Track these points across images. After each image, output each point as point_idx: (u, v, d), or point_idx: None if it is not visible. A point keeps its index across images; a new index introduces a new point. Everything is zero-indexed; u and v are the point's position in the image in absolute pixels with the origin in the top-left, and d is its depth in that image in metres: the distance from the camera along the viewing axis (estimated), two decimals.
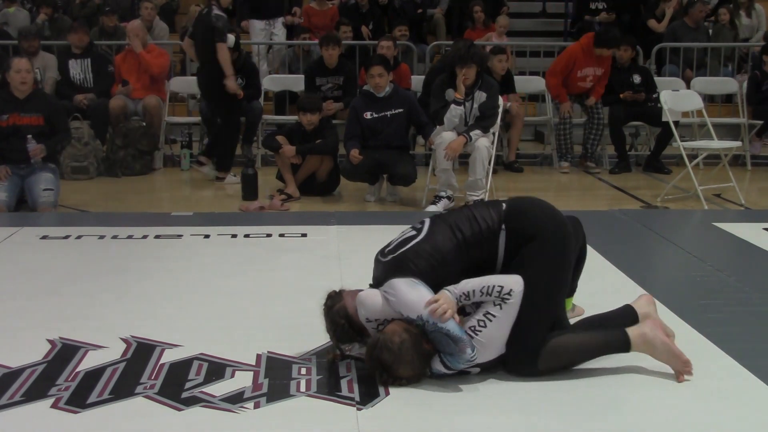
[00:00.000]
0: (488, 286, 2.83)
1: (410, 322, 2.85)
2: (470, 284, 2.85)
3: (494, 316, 2.84)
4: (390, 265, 2.97)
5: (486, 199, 6.43)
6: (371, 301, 2.95)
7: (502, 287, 2.82)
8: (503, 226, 2.98)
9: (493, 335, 2.85)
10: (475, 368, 2.90)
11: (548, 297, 2.94)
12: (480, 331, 2.84)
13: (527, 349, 2.90)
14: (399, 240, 3.04)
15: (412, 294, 2.86)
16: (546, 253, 2.95)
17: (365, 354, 2.92)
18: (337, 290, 3.11)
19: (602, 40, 8.08)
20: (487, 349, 2.86)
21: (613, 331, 3.02)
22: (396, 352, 2.81)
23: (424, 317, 2.80)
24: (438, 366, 2.87)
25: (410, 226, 3.13)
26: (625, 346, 2.97)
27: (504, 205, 3.06)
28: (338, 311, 3.02)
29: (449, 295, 2.84)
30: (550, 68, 8.50)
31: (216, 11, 7.32)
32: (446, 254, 2.95)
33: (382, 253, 3.06)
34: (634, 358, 3.17)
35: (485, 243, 2.99)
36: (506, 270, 2.96)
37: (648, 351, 2.97)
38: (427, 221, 3.08)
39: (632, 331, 2.98)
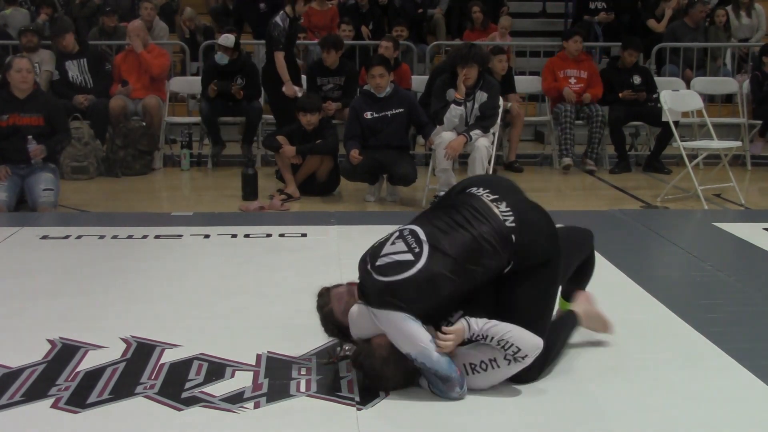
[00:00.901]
0: (508, 343, 2.73)
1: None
2: (492, 330, 2.73)
3: (499, 367, 2.77)
4: (382, 290, 2.77)
5: None
6: (361, 322, 2.86)
7: (519, 349, 2.73)
8: (510, 263, 2.83)
9: (490, 379, 2.81)
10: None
11: (547, 316, 2.94)
12: (479, 372, 2.79)
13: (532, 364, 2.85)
14: (393, 260, 2.80)
15: (404, 330, 2.74)
16: (547, 278, 2.92)
17: (351, 358, 2.91)
18: (327, 288, 3.05)
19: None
20: (478, 384, 2.81)
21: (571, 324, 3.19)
22: (378, 367, 2.78)
23: (413, 355, 2.73)
24: (425, 386, 2.83)
25: (403, 234, 2.89)
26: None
27: (513, 237, 2.80)
28: (327, 314, 3.00)
29: (465, 330, 2.75)
30: (542, 77, 8.72)
31: (276, 19, 7.50)
32: (442, 293, 2.78)
33: (371, 263, 2.86)
34: (633, 358, 3.18)
35: (485, 280, 2.85)
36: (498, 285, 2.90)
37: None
38: (426, 246, 2.79)
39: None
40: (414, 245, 2.82)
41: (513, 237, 2.80)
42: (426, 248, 2.79)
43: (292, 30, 7.72)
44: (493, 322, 2.76)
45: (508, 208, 2.86)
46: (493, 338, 2.74)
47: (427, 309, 2.79)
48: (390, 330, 2.77)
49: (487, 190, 2.94)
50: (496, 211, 2.85)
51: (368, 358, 2.79)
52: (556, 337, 3.03)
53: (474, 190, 2.96)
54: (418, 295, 2.75)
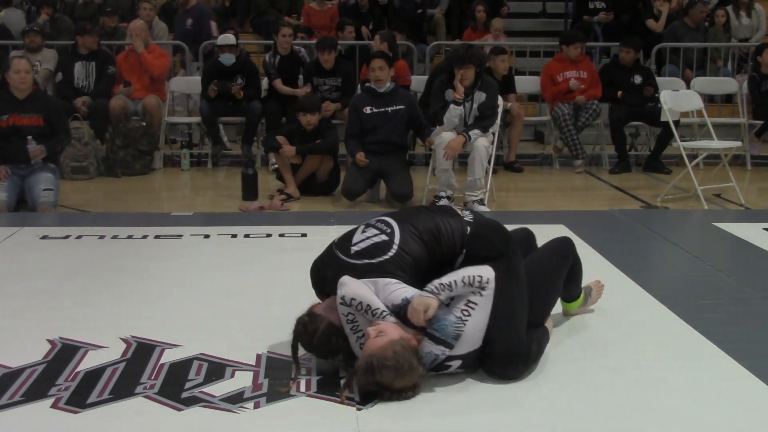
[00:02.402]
0: (469, 276, 2.87)
1: (396, 309, 2.86)
2: (451, 276, 2.89)
3: (476, 304, 2.87)
4: (367, 269, 2.94)
5: (485, 199, 6.44)
6: (355, 284, 2.91)
7: (481, 277, 2.88)
8: (463, 251, 3.06)
9: (475, 325, 2.87)
10: (457, 361, 2.88)
11: (515, 307, 2.97)
12: (466, 319, 2.86)
13: (512, 354, 2.91)
14: (369, 244, 3.02)
15: (398, 286, 2.90)
16: (508, 270, 2.98)
17: (358, 378, 2.81)
18: (308, 313, 3.01)
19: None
20: (467, 341, 2.87)
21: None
22: (395, 365, 2.73)
23: (408, 296, 2.85)
24: (429, 347, 2.84)
25: (370, 224, 3.12)
26: None
27: (468, 228, 3.08)
28: (327, 330, 2.94)
29: (432, 298, 2.83)
30: (541, 86, 8.74)
31: (265, 57, 8.08)
32: (421, 263, 3.01)
33: (344, 255, 3.03)
34: (634, 358, 3.18)
35: (444, 260, 3.06)
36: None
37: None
38: (394, 223, 3.07)
39: None
40: (384, 227, 3.07)
41: (468, 228, 3.09)
42: (396, 228, 3.06)
43: (288, 64, 8.24)
44: (443, 278, 2.89)
45: (470, 213, 3.21)
46: (456, 281, 2.87)
47: (411, 282, 2.94)
48: (387, 289, 2.89)
49: (452, 207, 3.29)
50: (460, 212, 3.18)
51: (381, 363, 2.72)
52: (538, 337, 3.09)
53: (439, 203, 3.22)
54: (402, 270, 2.96)
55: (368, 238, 3.05)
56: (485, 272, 2.90)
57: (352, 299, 2.87)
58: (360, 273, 2.94)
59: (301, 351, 3.05)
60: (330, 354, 3.01)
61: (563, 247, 3.40)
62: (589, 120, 8.37)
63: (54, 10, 10.20)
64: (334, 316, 2.94)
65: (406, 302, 2.84)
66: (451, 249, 3.06)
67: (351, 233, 3.12)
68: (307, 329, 2.96)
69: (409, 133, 7.32)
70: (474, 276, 2.88)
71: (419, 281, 2.96)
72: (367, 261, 2.97)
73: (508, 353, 2.91)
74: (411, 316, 2.83)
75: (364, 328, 2.86)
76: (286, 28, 8.52)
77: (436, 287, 2.86)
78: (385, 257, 2.97)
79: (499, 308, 2.91)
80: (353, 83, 8.13)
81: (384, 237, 3.03)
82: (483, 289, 2.88)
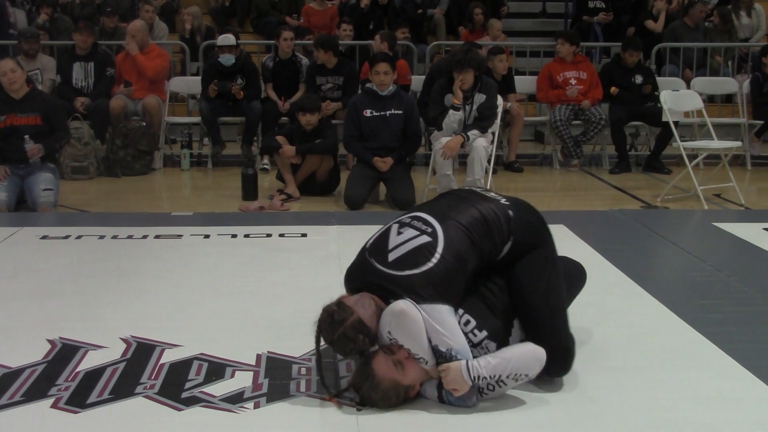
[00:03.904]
0: (516, 374, 2.68)
1: (434, 351, 2.65)
2: (492, 370, 2.66)
3: (506, 384, 2.71)
4: (413, 283, 2.65)
5: None
6: (414, 320, 2.60)
7: (527, 375, 2.70)
8: (511, 238, 2.81)
9: (498, 393, 2.74)
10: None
11: (563, 298, 2.90)
12: (487, 394, 2.71)
13: (563, 349, 2.84)
14: (410, 248, 2.71)
15: (448, 324, 2.64)
16: (550, 260, 2.89)
17: (353, 374, 2.79)
18: (336, 303, 2.74)
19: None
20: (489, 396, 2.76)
21: None
22: (383, 396, 2.65)
23: (454, 350, 2.62)
24: (432, 396, 2.76)
25: (405, 222, 2.82)
26: None
27: (510, 212, 2.83)
28: (355, 324, 2.66)
29: (463, 370, 2.63)
30: (537, 87, 8.73)
31: (265, 59, 8.03)
32: (468, 268, 2.72)
33: (381, 263, 2.73)
34: (634, 358, 3.18)
35: (493, 251, 2.81)
36: (506, 270, 2.87)
37: None
38: (433, 221, 2.76)
39: None
40: (424, 227, 2.76)
41: (510, 213, 2.83)
42: (438, 225, 2.75)
43: (287, 68, 8.26)
44: (490, 359, 2.67)
45: (500, 194, 2.95)
46: (497, 378, 2.67)
47: (459, 291, 2.72)
48: (440, 324, 2.62)
49: (478, 189, 3.05)
50: (489, 195, 2.92)
51: (373, 386, 2.67)
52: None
53: (463, 187, 3.05)
54: (453, 276, 2.68)
55: (407, 240, 2.73)
56: (532, 366, 2.69)
57: (390, 333, 2.65)
58: (405, 289, 2.65)
59: (303, 350, 3.05)
60: (350, 352, 2.74)
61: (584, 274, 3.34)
62: (596, 133, 8.36)
63: (54, 10, 10.20)
64: (364, 312, 2.68)
65: (448, 355, 2.63)
66: (501, 237, 2.78)
67: (385, 235, 2.81)
68: (333, 319, 2.68)
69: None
70: (521, 374, 2.68)
71: (467, 286, 2.76)
72: (409, 272, 2.65)
73: (563, 351, 2.83)
74: (443, 379, 2.66)
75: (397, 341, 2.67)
76: (288, 32, 8.50)
77: (480, 376, 2.64)
78: (430, 265, 2.66)
79: (550, 303, 2.80)
80: (355, 82, 8.12)
81: (426, 238, 2.72)
82: (520, 379, 2.71)
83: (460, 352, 2.64)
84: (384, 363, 2.67)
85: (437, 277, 2.66)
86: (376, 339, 2.71)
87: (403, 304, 2.62)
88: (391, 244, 2.76)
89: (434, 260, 2.67)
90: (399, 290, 2.66)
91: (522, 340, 2.82)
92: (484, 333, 2.77)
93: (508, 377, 2.68)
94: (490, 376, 2.66)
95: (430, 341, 2.64)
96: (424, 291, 2.64)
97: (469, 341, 2.74)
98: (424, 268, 2.66)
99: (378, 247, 2.80)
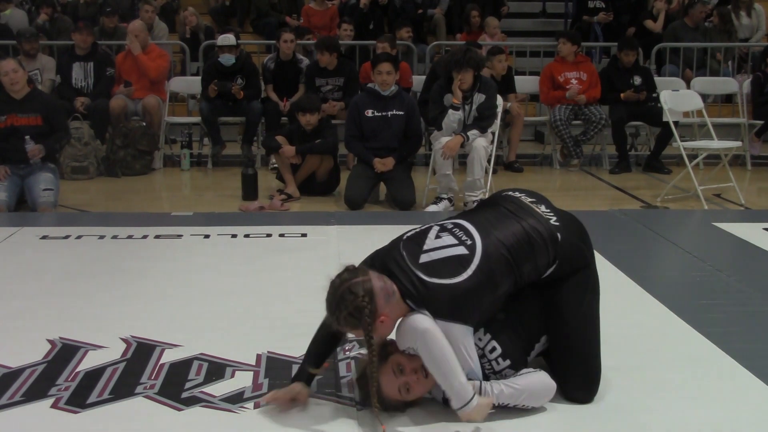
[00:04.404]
0: (523, 405, 2.65)
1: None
2: (511, 399, 2.63)
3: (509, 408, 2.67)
4: (444, 298, 2.52)
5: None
6: (439, 344, 2.47)
7: (534, 407, 2.67)
8: (556, 262, 2.68)
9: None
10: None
11: (598, 326, 2.82)
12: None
13: (591, 378, 2.79)
14: (445, 256, 2.58)
15: (465, 346, 2.55)
16: (592, 284, 2.81)
17: (360, 374, 2.75)
18: (355, 266, 2.60)
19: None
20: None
21: None
22: (383, 406, 2.58)
23: (465, 372, 2.53)
24: (439, 397, 2.73)
25: (446, 227, 2.69)
26: None
27: (559, 235, 2.67)
28: (361, 284, 2.49)
29: (480, 417, 2.55)
30: (540, 88, 8.72)
31: (266, 60, 7.99)
32: (499, 291, 2.59)
33: (412, 261, 2.58)
34: (633, 358, 3.18)
35: (533, 273, 2.67)
36: (543, 292, 2.76)
37: None
38: (477, 237, 2.60)
39: None
40: (464, 237, 2.62)
41: (558, 235, 2.67)
42: (479, 239, 2.60)
43: (287, 70, 8.29)
44: (503, 387, 2.62)
45: (549, 209, 2.78)
46: (505, 405, 2.64)
47: (484, 313, 2.61)
48: (451, 342, 2.52)
49: (524, 194, 2.85)
50: (538, 210, 2.75)
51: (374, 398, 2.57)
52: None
53: (510, 193, 2.85)
54: (479, 297, 2.55)
55: (443, 247, 2.60)
56: (542, 399, 2.66)
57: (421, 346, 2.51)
58: (425, 296, 2.52)
59: (302, 351, 3.03)
60: (352, 320, 2.49)
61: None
62: (596, 133, 8.36)
63: (54, 9, 10.20)
64: (379, 283, 2.52)
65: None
66: (545, 261, 2.65)
67: (423, 233, 2.68)
68: (341, 277, 2.54)
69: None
70: (528, 406, 2.65)
71: (498, 308, 2.68)
72: (437, 280, 2.52)
73: (591, 379, 2.77)
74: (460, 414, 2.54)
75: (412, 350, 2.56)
76: (288, 33, 8.49)
77: (497, 396, 2.58)
78: (459, 279, 2.53)
79: (588, 330, 2.74)
80: (356, 84, 8.13)
81: (463, 250, 2.58)
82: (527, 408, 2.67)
83: (471, 375, 2.57)
84: (390, 383, 2.62)
85: (463, 293, 2.53)
86: (373, 313, 2.48)
87: (428, 323, 2.49)
88: (427, 245, 2.63)
89: (465, 275, 2.54)
90: (419, 295, 2.53)
91: (541, 356, 2.77)
92: (507, 362, 2.70)
93: (515, 406, 2.66)
94: (499, 404, 2.63)
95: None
96: (443, 306, 2.52)
97: (491, 368, 2.70)
98: (453, 281, 2.53)
99: (413, 244, 2.66)
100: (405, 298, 2.56)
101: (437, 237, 2.65)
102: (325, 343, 2.77)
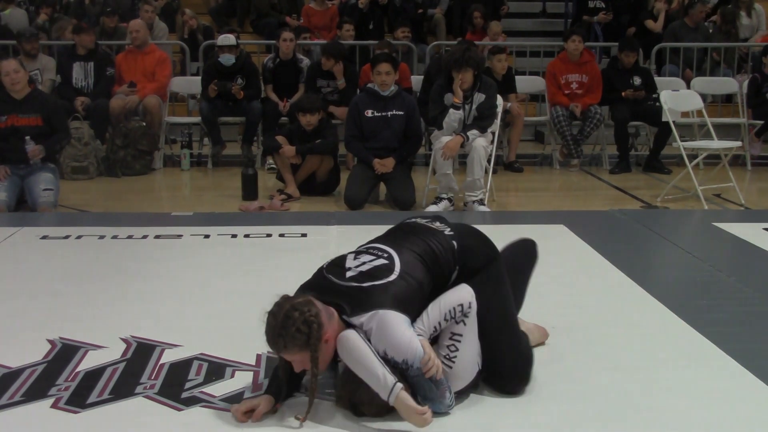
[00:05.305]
0: (450, 310, 2.71)
1: (391, 363, 2.60)
2: (433, 316, 2.72)
3: (461, 335, 2.74)
4: (368, 295, 2.65)
5: (485, 199, 6.43)
6: (355, 344, 2.59)
7: (461, 305, 2.71)
8: (457, 267, 2.86)
9: (465, 357, 2.75)
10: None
11: (512, 316, 2.96)
12: (454, 357, 2.73)
13: (524, 365, 2.88)
14: (369, 267, 2.73)
15: (404, 335, 2.60)
16: (495, 276, 2.90)
17: (337, 395, 2.78)
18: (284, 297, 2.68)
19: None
20: (461, 377, 2.77)
21: None
22: (373, 412, 2.65)
23: (410, 361, 2.58)
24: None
25: (361, 251, 2.86)
26: None
27: (455, 243, 2.87)
28: (304, 303, 2.59)
29: (428, 345, 2.66)
30: (547, 87, 8.70)
31: (266, 60, 8.00)
32: (424, 285, 2.76)
33: (339, 280, 2.72)
34: (633, 358, 3.18)
35: (442, 279, 2.84)
36: None
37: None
38: (391, 250, 2.80)
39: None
40: (380, 253, 2.81)
41: (454, 243, 2.88)
42: (393, 252, 2.80)
43: (287, 69, 8.28)
44: (425, 311, 2.73)
45: (443, 224, 2.98)
46: (440, 322, 2.72)
47: (414, 311, 2.71)
48: (389, 334, 2.58)
49: (419, 218, 3.05)
50: (434, 227, 2.95)
51: (364, 404, 2.65)
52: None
53: (407, 221, 3.04)
54: (412, 292, 2.71)
55: (365, 263, 2.76)
56: (464, 297, 2.74)
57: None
58: (362, 301, 2.64)
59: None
60: (300, 336, 2.53)
61: (533, 250, 3.31)
62: (593, 129, 8.37)
63: (54, 9, 10.19)
64: (320, 304, 2.62)
65: (404, 366, 2.60)
66: (448, 268, 2.85)
67: (341, 259, 2.83)
68: (279, 304, 2.60)
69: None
70: (455, 308, 2.71)
71: (422, 308, 2.75)
72: (370, 283, 2.67)
73: (516, 369, 2.87)
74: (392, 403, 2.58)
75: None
76: (288, 33, 8.50)
77: (426, 333, 2.70)
78: (391, 278, 2.69)
79: (498, 321, 2.84)
80: (355, 85, 8.12)
81: (383, 261, 2.76)
82: (466, 316, 2.73)
83: (414, 364, 2.60)
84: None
85: (397, 290, 2.68)
86: (323, 328, 2.57)
87: (351, 333, 2.62)
88: (349, 265, 2.78)
89: (393, 276, 2.71)
90: (357, 305, 2.64)
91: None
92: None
93: (444, 320, 2.71)
94: (433, 328, 2.71)
95: (385, 357, 2.59)
96: (387, 299, 2.64)
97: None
98: (388, 279, 2.70)
99: (336, 267, 2.81)
100: (341, 316, 2.67)
101: (356, 258, 2.81)
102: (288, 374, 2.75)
